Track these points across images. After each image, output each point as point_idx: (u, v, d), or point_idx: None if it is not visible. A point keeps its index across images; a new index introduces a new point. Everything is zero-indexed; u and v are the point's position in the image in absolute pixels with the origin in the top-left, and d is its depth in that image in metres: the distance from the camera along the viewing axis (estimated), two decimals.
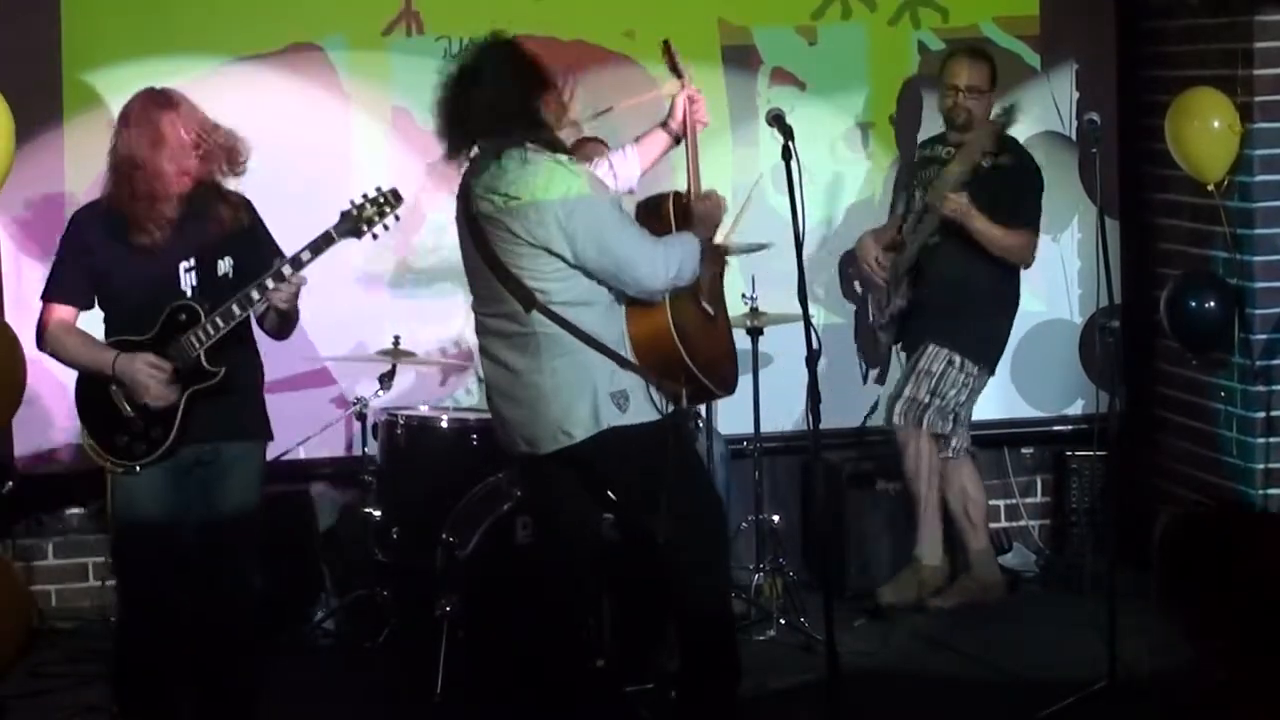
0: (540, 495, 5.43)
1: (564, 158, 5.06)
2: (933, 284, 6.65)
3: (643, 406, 5.11)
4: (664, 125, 5.48)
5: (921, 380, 6.63)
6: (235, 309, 5.12)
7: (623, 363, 5.08)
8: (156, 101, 5.14)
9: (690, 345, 5.17)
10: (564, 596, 5.37)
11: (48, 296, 5.28)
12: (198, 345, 5.12)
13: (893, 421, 6.69)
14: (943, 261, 6.63)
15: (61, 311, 5.23)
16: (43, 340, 5.29)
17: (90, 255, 5.18)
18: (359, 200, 5.26)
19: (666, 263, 5.08)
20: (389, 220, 5.28)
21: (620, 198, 5.28)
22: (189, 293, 5.17)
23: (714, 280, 5.47)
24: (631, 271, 5.04)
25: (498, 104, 5.06)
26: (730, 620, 5.49)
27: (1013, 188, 6.59)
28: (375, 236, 5.31)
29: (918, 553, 6.73)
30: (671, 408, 5.16)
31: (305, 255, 5.17)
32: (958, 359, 6.64)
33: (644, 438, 5.11)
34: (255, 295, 5.12)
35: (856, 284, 7.02)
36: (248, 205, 5.31)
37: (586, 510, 5.38)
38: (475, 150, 5.12)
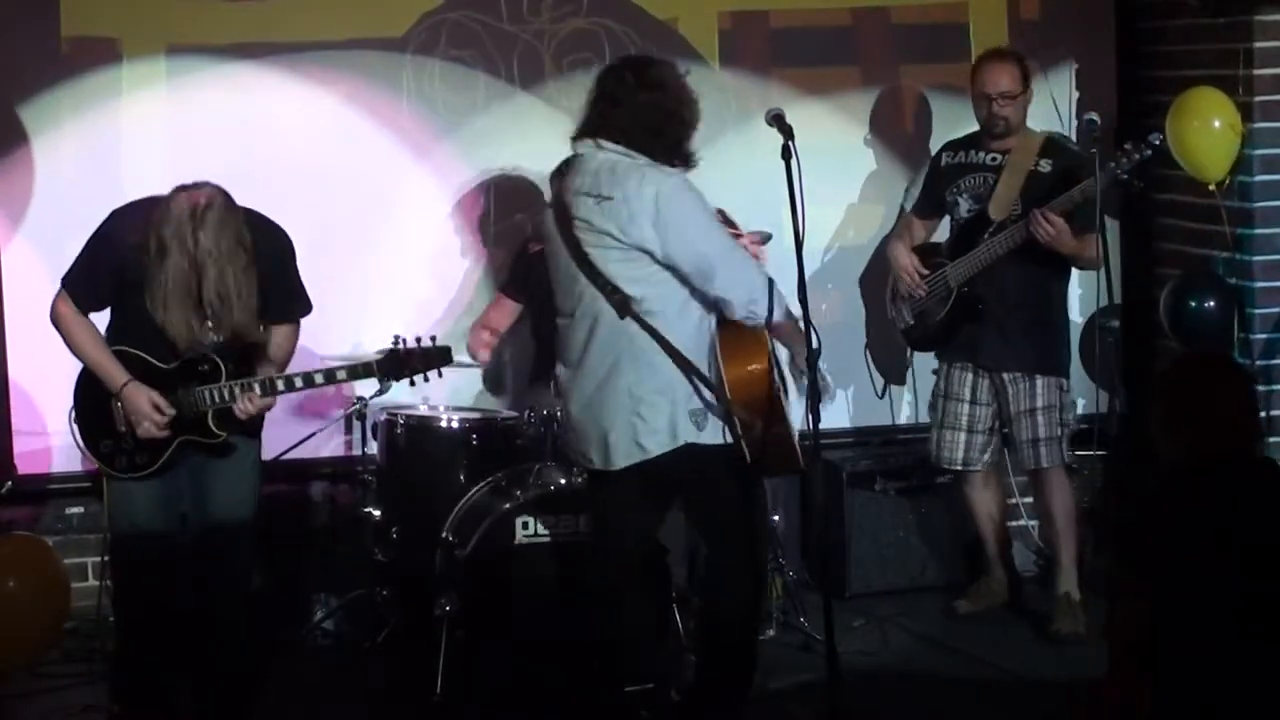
0: (599, 506, 5.41)
1: (657, 163, 5.07)
2: (1005, 301, 6.46)
3: (719, 428, 5.11)
4: None
5: (1046, 415, 6.50)
6: (256, 388, 5.13)
7: (708, 384, 5.07)
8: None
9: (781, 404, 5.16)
10: (609, 603, 5.38)
11: (68, 287, 5.21)
12: (208, 404, 5.13)
13: (1039, 466, 6.56)
14: (1015, 277, 6.43)
15: (77, 310, 5.19)
16: (56, 325, 5.24)
17: (120, 261, 5.09)
18: (412, 345, 5.32)
19: (754, 277, 5.06)
20: (432, 374, 5.36)
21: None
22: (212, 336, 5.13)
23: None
24: (724, 271, 5.03)
25: (657, 113, 5.08)
26: (755, 628, 5.48)
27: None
28: (413, 384, 5.38)
29: (1066, 587, 6.57)
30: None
31: (340, 374, 5.27)
32: (1064, 383, 6.55)
33: (716, 459, 5.12)
34: (280, 386, 5.15)
35: (891, 292, 6.80)
36: (283, 240, 5.26)
37: (648, 522, 5.38)
38: (576, 151, 5.17)
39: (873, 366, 7.19)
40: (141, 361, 5.15)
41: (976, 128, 6.64)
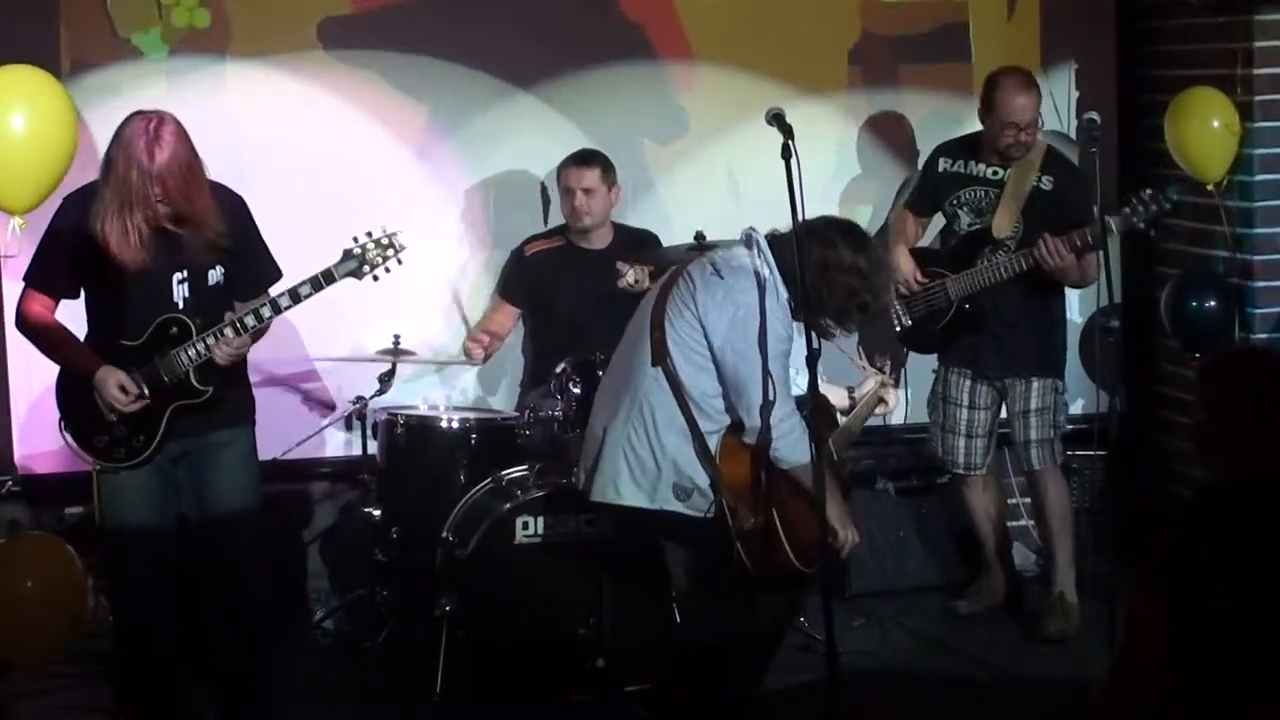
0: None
1: (784, 291, 5.12)
2: (1003, 317, 6.49)
3: (704, 504, 5.16)
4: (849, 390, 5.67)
5: (1040, 417, 6.54)
6: (229, 332, 5.11)
7: (707, 463, 5.12)
8: (148, 131, 5.01)
9: (776, 499, 5.14)
10: None
11: (31, 282, 5.24)
12: (187, 363, 5.12)
13: (1030, 468, 6.60)
14: (1014, 293, 6.46)
15: (43, 300, 5.21)
16: (23, 325, 5.26)
17: (78, 246, 5.09)
18: (363, 240, 5.27)
19: (781, 423, 5.06)
20: (391, 264, 5.30)
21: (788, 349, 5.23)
22: (180, 304, 5.14)
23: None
24: (753, 398, 5.07)
25: (819, 272, 5.11)
26: (730, 681, 5.39)
27: (1076, 212, 6.30)
28: (376, 279, 5.31)
29: (1062, 588, 6.59)
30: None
31: (304, 290, 5.19)
32: (1060, 384, 6.59)
33: (694, 528, 5.17)
34: (251, 321, 5.12)
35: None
36: (241, 206, 5.27)
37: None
38: (749, 233, 5.26)
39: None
40: (112, 345, 5.15)
41: (969, 130, 6.67)
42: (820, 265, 5.13)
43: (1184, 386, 7.13)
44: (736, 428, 5.16)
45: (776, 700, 5.87)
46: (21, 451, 6.61)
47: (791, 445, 5.11)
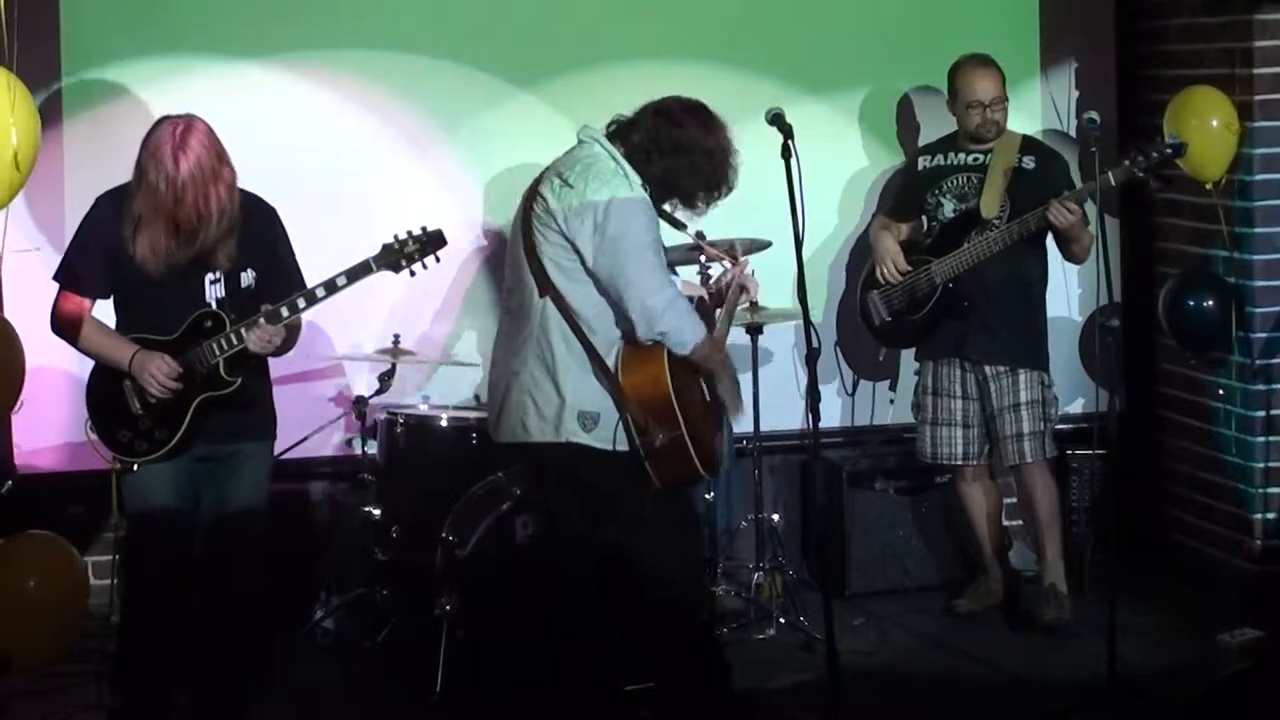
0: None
1: (635, 177, 5.10)
2: (989, 296, 6.50)
3: (609, 434, 5.12)
4: (706, 285, 5.59)
5: (1030, 410, 6.55)
6: (261, 320, 5.12)
7: (609, 385, 5.10)
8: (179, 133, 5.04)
9: (683, 409, 5.12)
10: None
11: (64, 283, 5.25)
12: (218, 353, 5.13)
13: (1022, 462, 6.58)
14: (999, 272, 6.49)
15: (78, 301, 5.23)
16: (58, 326, 5.27)
17: (112, 247, 5.13)
18: (403, 236, 5.28)
19: (670, 306, 5.07)
20: (429, 260, 5.30)
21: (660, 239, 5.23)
22: (213, 304, 5.17)
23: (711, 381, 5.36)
24: (634, 290, 5.04)
25: (670, 147, 5.13)
26: (701, 625, 5.41)
27: (1061, 186, 6.42)
28: (413, 273, 5.32)
29: (1053, 579, 6.59)
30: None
31: (341, 280, 5.21)
32: (1046, 378, 6.61)
33: (602, 461, 5.14)
34: (285, 312, 5.13)
35: (864, 285, 6.79)
36: (272, 216, 5.31)
37: (569, 506, 5.39)
38: (579, 138, 5.26)
39: (843, 363, 7.19)
40: (146, 342, 5.17)
41: (955, 129, 6.68)
42: (672, 146, 5.13)
43: (1184, 385, 7.13)
44: (631, 337, 5.12)
45: (776, 700, 5.88)
46: (21, 451, 6.61)
47: (689, 326, 5.10)
